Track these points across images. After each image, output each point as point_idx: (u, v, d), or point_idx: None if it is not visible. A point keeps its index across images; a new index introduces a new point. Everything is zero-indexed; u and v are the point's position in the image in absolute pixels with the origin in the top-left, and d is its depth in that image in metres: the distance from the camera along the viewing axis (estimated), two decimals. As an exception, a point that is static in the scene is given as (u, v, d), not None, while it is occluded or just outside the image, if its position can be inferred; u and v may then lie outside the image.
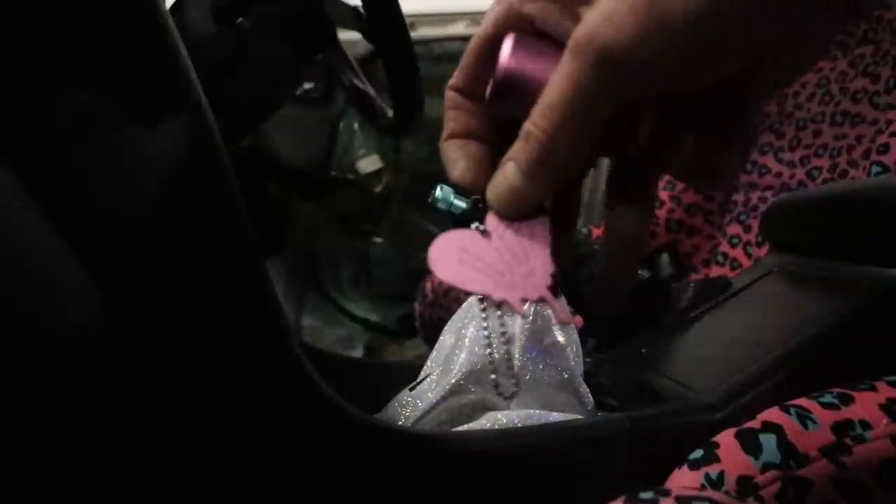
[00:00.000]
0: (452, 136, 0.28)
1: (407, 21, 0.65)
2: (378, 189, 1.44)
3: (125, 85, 0.29)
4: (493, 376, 0.44)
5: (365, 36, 0.73)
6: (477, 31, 0.26)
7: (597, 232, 1.10)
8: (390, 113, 0.74)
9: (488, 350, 0.43)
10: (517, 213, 0.26)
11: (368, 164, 1.42)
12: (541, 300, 0.27)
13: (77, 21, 0.27)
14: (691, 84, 0.22)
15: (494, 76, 0.25)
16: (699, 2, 0.20)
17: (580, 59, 0.22)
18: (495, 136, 0.28)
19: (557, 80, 0.23)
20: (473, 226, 0.27)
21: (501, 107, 0.26)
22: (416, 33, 1.38)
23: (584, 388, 0.45)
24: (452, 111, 0.28)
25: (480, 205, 0.50)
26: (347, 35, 0.76)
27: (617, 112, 0.23)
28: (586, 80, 0.22)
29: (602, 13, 0.21)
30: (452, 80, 0.28)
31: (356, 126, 1.42)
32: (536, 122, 0.23)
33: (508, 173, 0.25)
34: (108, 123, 0.29)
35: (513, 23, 0.25)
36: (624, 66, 0.21)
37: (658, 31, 0.21)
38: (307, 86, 1.33)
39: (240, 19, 0.66)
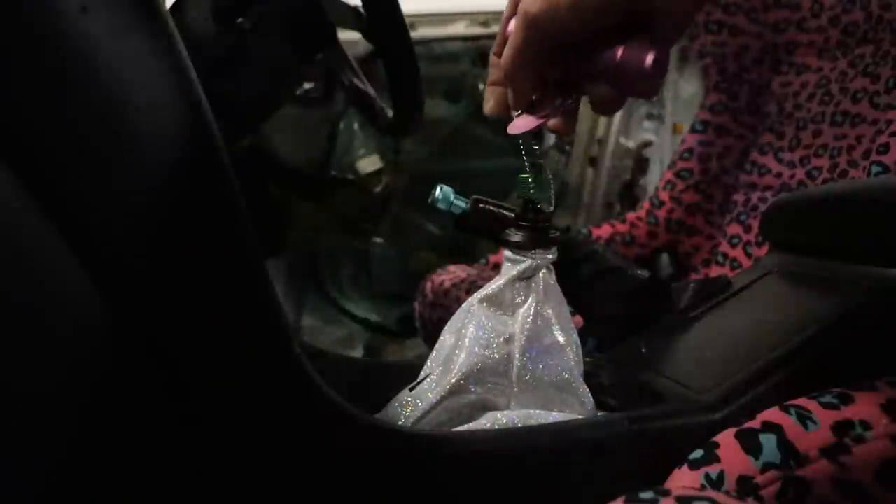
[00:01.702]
0: (490, 83, 0.45)
1: (407, 21, 0.65)
2: (378, 189, 1.44)
3: (125, 85, 0.29)
4: (492, 376, 0.44)
5: (365, 36, 0.73)
6: (506, 5, 0.42)
7: (597, 232, 1.10)
8: (390, 113, 0.74)
9: (488, 350, 0.43)
10: (512, 109, 0.42)
11: (368, 164, 1.42)
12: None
13: (78, 21, 0.27)
14: (582, 32, 0.37)
15: None
16: None
17: (518, 22, 0.38)
18: None
19: (512, 34, 0.38)
20: None
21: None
22: (416, 33, 1.38)
23: (584, 388, 0.45)
24: (491, 67, 0.44)
25: (480, 205, 0.49)
26: (347, 35, 0.76)
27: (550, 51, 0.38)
28: (522, 35, 0.38)
29: None
30: (494, 48, 0.44)
31: (356, 126, 1.42)
32: (504, 59, 0.39)
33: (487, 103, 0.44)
34: (107, 123, 0.29)
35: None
36: (537, 26, 0.37)
37: (555, 3, 0.36)
38: (307, 86, 1.33)
39: (240, 19, 0.66)
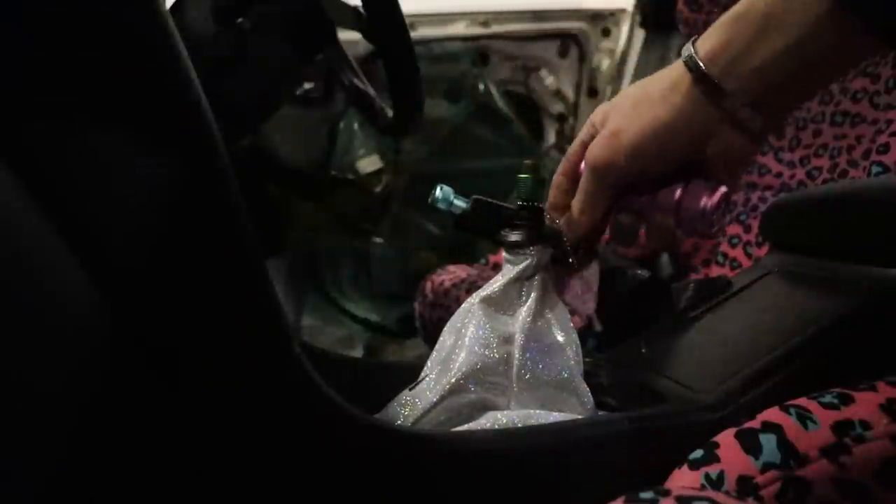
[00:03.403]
0: (550, 205, 0.50)
1: (407, 21, 0.65)
2: (378, 189, 1.44)
3: (125, 85, 0.29)
4: (492, 376, 0.44)
5: (365, 36, 0.73)
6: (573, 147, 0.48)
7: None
8: (390, 113, 0.74)
9: (488, 350, 0.43)
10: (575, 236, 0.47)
11: (368, 164, 1.42)
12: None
13: (79, 22, 0.27)
14: (642, 177, 0.43)
15: None
16: (631, 140, 0.41)
17: (586, 168, 0.44)
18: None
19: (581, 179, 0.45)
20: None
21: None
22: (416, 33, 1.38)
23: (584, 388, 0.45)
24: (553, 188, 0.49)
25: (480, 205, 0.50)
26: (347, 35, 0.76)
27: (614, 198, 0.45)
28: (589, 178, 0.44)
29: (593, 142, 0.44)
30: (560, 168, 0.49)
31: (356, 126, 1.42)
32: (573, 202, 0.46)
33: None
34: (108, 124, 0.29)
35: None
36: (600, 172, 0.43)
37: (615, 154, 0.42)
38: (307, 86, 1.33)
39: (240, 19, 0.66)
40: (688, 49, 0.40)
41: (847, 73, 0.84)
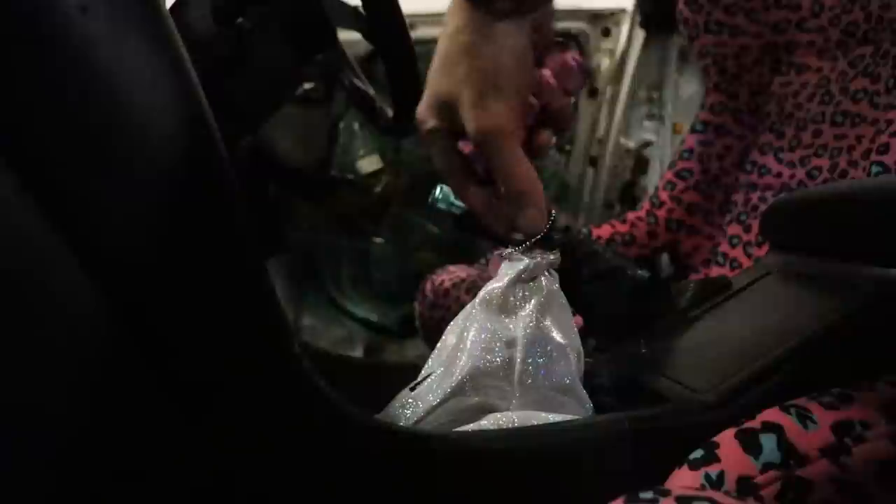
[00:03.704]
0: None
1: (407, 21, 0.65)
2: (378, 189, 1.44)
3: (125, 85, 0.29)
4: (494, 380, 0.44)
5: (365, 36, 0.73)
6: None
7: (597, 232, 1.10)
8: (390, 113, 0.74)
9: (489, 354, 0.43)
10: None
11: (368, 164, 1.42)
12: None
13: (77, 21, 0.27)
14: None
15: None
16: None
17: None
18: None
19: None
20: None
21: None
22: (416, 33, 1.38)
23: (583, 393, 0.45)
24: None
25: None
26: (347, 35, 0.76)
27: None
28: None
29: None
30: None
31: (356, 126, 1.41)
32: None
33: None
34: (108, 123, 0.29)
35: None
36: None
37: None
38: (307, 86, 1.33)
39: (240, 19, 0.66)
40: None
41: None
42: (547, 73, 0.44)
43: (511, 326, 0.44)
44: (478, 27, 0.42)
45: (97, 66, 0.28)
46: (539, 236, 0.45)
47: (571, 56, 0.44)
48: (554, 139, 0.47)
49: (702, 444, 0.36)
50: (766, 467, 0.34)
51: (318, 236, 1.48)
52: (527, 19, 0.42)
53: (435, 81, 0.45)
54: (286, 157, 1.37)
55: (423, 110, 0.46)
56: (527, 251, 0.45)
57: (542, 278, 0.46)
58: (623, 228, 1.10)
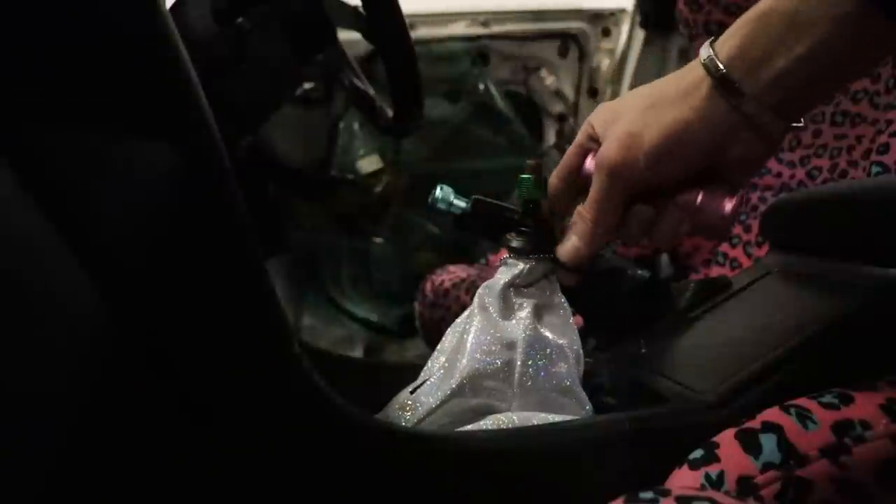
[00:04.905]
0: (552, 209, 0.47)
1: (407, 21, 0.65)
2: (378, 189, 1.44)
3: (124, 84, 0.29)
4: (494, 382, 0.44)
5: (365, 36, 0.73)
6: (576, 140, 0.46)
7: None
8: (390, 113, 0.74)
9: (489, 356, 0.43)
10: (579, 266, 0.46)
11: (368, 164, 1.42)
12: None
13: (80, 21, 0.27)
14: (661, 180, 0.41)
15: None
16: (652, 141, 0.39)
17: (597, 170, 0.42)
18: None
19: (594, 181, 0.42)
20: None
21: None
22: (416, 33, 1.38)
23: (583, 394, 0.45)
24: (551, 195, 0.47)
25: (480, 205, 0.49)
26: (347, 35, 0.76)
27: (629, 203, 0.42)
28: (602, 182, 0.41)
29: (606, 145, 0.41)
30: (555, 173, 0.47)
31: (356, 126, 1.42)
32: (584, 211, 0.43)
33: (571, 241, 0.45)
34: (107, 123, 0.29)
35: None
36: (617, 175, 0.41)
37: (632, 156, 0.40)
38: (307, 86, 1.33)
39: (240, 19, 0.66)
40: (707, 50, 0.38)
41: (867, 74, 0.83)
42: (700, 196, 0.41)
43: (510, 328, 0.44)
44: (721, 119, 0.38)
45: (98, 67, 0.28)
46: (539, 240, 0.46)
47: (728, 204, 0.41)
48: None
49: (702, 444, 0.36)
50: (766, 467, 0.34)
51: (318, 236, 1.48)
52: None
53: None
54: (286, 157, 1.37)
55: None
56: (523, 256, 0.45)
57: (543, 280, 0.46)
58: (623, 228, 1.09)
